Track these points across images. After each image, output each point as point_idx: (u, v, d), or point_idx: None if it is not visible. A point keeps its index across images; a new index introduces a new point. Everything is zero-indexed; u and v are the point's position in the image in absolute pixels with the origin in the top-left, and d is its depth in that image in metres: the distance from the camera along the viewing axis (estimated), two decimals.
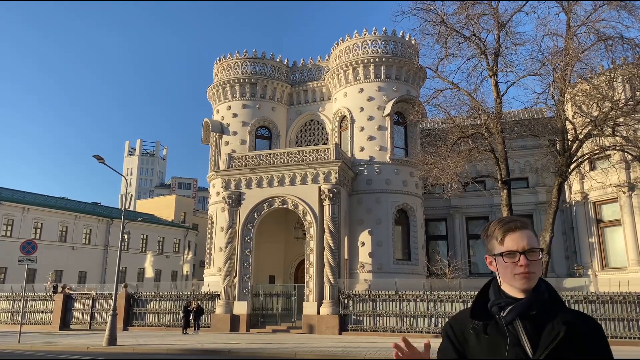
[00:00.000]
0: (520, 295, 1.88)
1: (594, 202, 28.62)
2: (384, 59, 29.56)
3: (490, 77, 23.77)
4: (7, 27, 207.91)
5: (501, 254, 1.90)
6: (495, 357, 1.81)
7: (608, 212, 28.28)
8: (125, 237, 50.97)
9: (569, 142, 22.48)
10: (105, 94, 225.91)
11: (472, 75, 24.06)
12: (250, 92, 32.87)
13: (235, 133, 32.52)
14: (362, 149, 29.20)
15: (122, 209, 23.44)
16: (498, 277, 1.97)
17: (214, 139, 33.33)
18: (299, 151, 26.72)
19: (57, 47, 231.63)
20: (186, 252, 62.36)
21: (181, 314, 25.48)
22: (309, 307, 24.14)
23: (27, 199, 48.32)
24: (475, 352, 1.88)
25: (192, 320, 24.89)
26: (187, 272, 61.53)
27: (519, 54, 60.60)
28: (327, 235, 24.40)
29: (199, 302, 25.60)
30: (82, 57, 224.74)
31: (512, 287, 1.91)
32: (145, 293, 28.31)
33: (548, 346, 1.77)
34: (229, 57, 33.82)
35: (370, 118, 29.35)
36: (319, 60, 34.03)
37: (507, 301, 1.88)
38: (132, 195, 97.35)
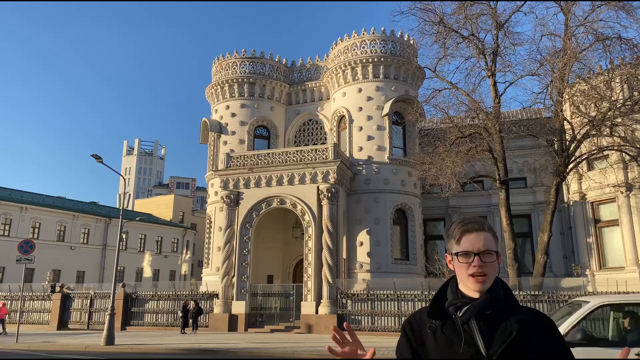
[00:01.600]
0: (475, 295, 1.91)
1: (592, 202, 28.66)
2: (382, 59, 29.56)
3: (489, 77, 23.78)
4: (11, 25, 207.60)
5: (456, 254, 1.94)
6: (450, 356, 1.85)
7: (606, 212, 28.32)
8: (124, 236, 50.92)
9: (567, 142, 22.50)
10: (104, 93, 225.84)
11: (471, 75, 24.10)
12: (249, 91, 32.84)
13: (233, 133, 32.49)
14: (361, 148, 29.19)
15: (120, 208, 23.42)
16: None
17: (213, 138, 33.28)
18: (297, 151, 26.70)
19: (58, 43, 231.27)
20: (184, 251, 62.31)
21: (179, 314, 25.47)
22: (307, 307, 24.13)
23: (25, 198, 48.23)
24: (431, 350, 1.91)
25: (191, 320, 24.89)
26: (185, 271, 61.49)
27: (518, 54, 60.87)
28: (325, 235, 24.39)
29: (197, 301, 25.59)
30: (83, 54, 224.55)
31: (467, 287, 1.94)
32: (143, 293, 28.30)
33: (501, 345, 1.81)
34: (227, 57, 33.78)
35: (369, 118, 29.34)
36: (317, 60, 34.01)
37: (463, 301, 1.91)
38: (130, 194, 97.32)
